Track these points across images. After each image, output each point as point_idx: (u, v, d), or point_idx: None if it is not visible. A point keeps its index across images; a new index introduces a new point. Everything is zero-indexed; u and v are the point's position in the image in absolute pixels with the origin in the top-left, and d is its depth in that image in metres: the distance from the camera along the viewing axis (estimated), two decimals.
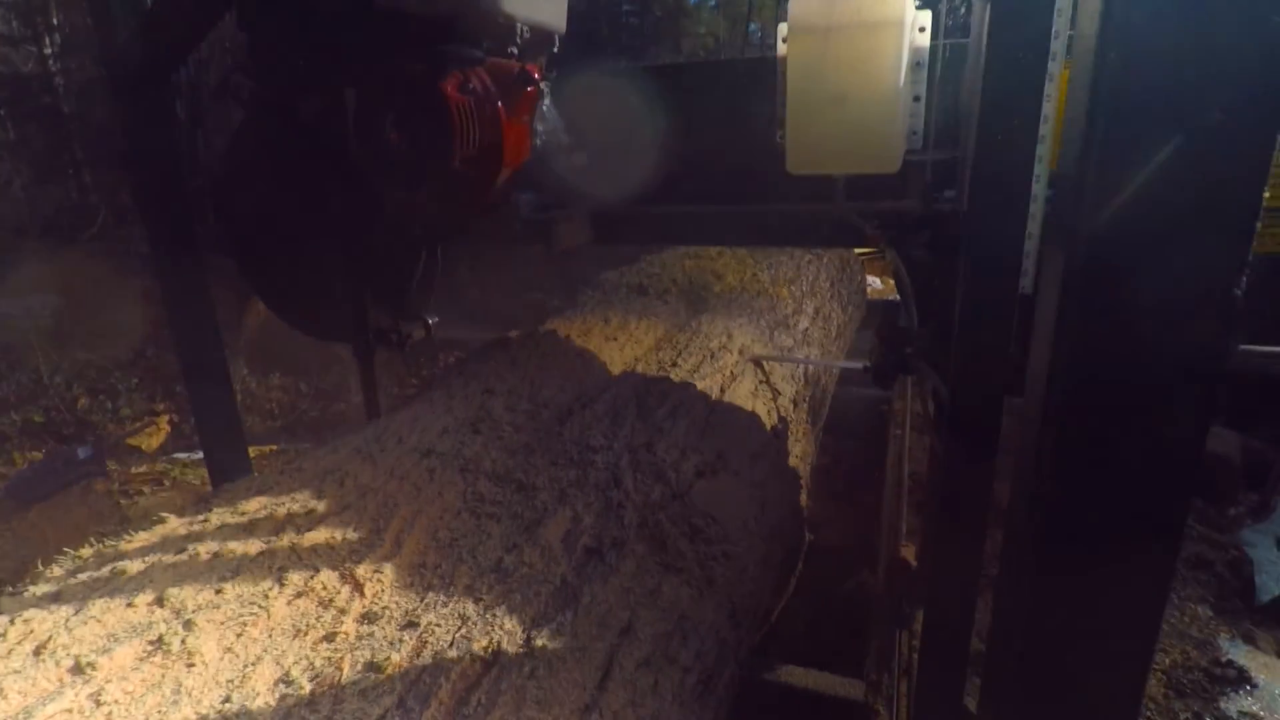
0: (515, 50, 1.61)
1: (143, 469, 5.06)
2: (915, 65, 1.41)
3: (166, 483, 4.85)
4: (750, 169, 1.66)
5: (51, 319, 7.23)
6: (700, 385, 1.92)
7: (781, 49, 1.43)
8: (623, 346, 2.12)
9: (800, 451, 2.30)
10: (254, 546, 1.10)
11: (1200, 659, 2.45)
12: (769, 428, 2.03)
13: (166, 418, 6.09)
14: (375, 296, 1.93)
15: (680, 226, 1.88)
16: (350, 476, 1.31)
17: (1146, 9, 0.84)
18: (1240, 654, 2.47)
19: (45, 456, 4.89)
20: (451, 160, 1.49)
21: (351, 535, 1.16)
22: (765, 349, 2.44)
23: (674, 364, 2.02)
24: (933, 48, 1.44)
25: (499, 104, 1.51)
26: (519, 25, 1.57)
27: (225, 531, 1.14)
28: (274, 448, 5.32)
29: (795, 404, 2.37)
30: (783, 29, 1.41)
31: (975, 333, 1.23)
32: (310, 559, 1.09)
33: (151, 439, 5.80)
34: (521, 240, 1.83)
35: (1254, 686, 2.32)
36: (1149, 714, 2.25)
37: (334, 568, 1.07)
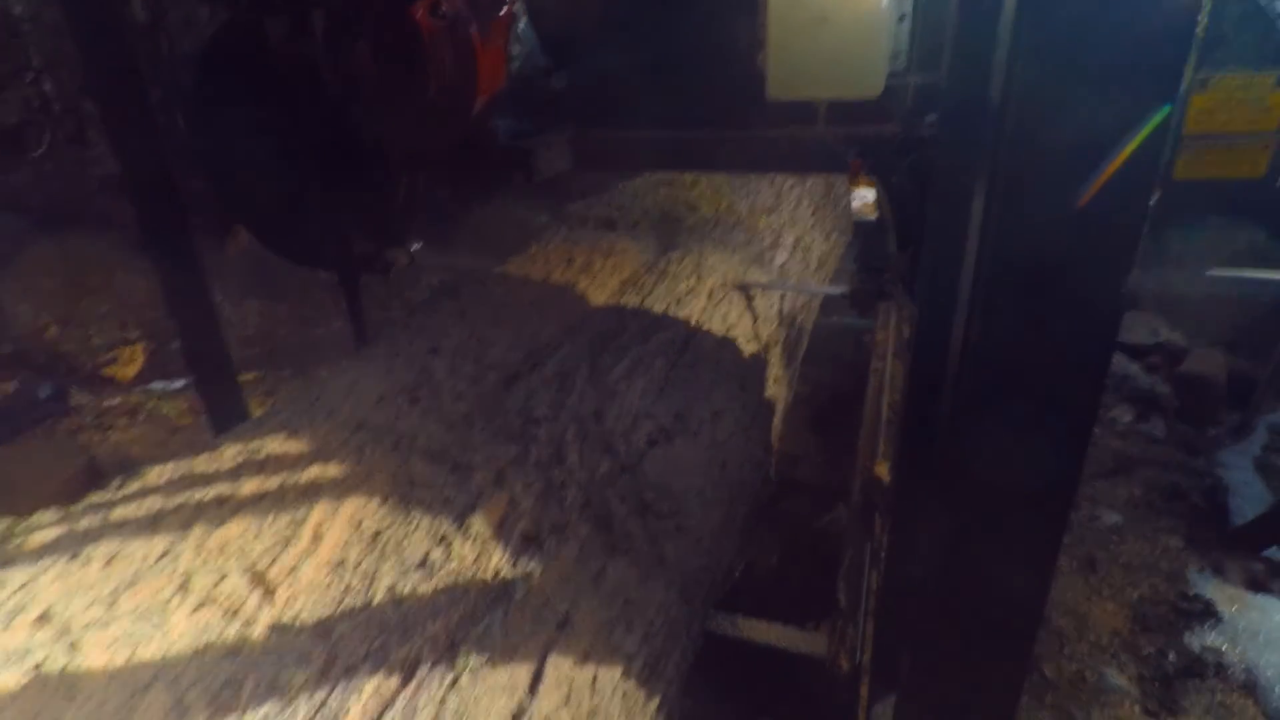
0: None
1: (116, 401, 4.99)
2: None
3: (141, 415, 4.79)
4: (732, 93, 1.59)
5: (11, 245, 6.98)
6: (663, 336, 1.81)
7: None
8: (584, 291, 2.00)
9: (775, 388, 2.23)
10: (157, 546, 1.02)
11: (1168, 592, 2.46)
12: (737, 374, 1.94)
13: (141, 345, 5.97)
14: (357, 222, 1.88)
15: (661, 153, 1.81)
16: (273, 457, 1.23)
17: None
18: (1208, 587, 2.48)
19: (11, 394, 4.80)
20: (425, 88, 1.45)
21: (268, 529, 1.08)
22: (739, 287, 2.33)
23: (636, 312, 1.90)
24: None
25: (472, 28, 1.45)
26: None
27: (127, 530, 1.06)
28: (253, 375, 5.24)
29: (770, 342, 2.28)
30: None
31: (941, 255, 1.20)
32: (219, 560, 1.01)
33: (127, 368, 5.70)
34: (500, 168, 1.75)
35: (1219, 620, 2.34)
36: (1114, 649, 2.28)
37: (245, 570, 1.00)
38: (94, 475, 3.87)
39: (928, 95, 1.45)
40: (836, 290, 3.05)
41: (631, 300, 2.00)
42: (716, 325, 2.04)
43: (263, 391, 4.91)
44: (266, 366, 5.69)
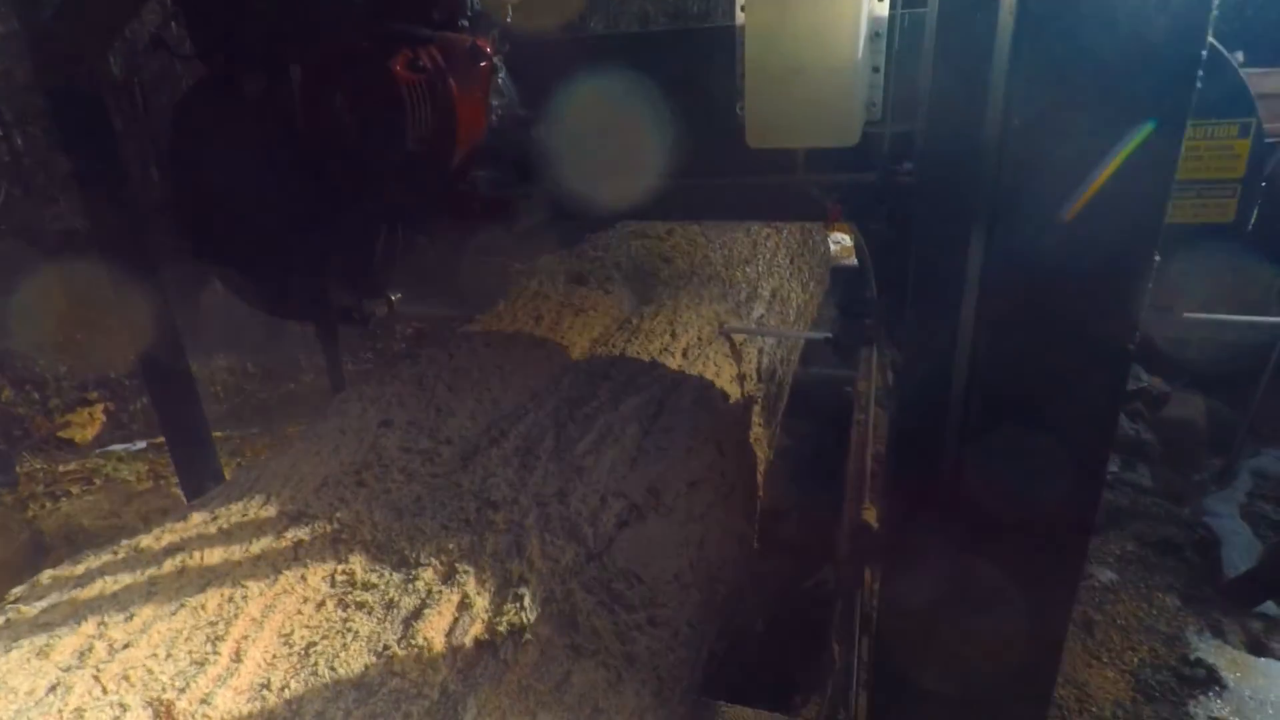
0: (466, 23, 1.56)
1: (72, 466, 4.77)
2: (874, 35, 1.39)
3: (97, 481, 4.57)
4: (711, 142, 1.61)
5: None
6: (635, 400, 1.71)
7: (740, 18, 1.40)
8: (551, 354, 1.90)
9: (757, 447, 2.13)
10: (43, 680, 0.88)
11: (1169, 656, 2.36)
12: (715, 437, 1.84)
13: (101, 406, 5.76)
14: (336, 273, 1.87)
15: (641, 201, 1.79)
16: (195, 558, 1.10)
17: None
18: (1209, 650, 2.38)
19: None
20: (403, 141, 1.46)
21: (181, 646, 0.94)
22: (714, 344, 2.24)
23: (607, 375, 1.80)
24: (891, 17, 1.40)
25: (451, 81, 1.47)
26: None
27: (16, 655, 0.92)
28: (220, 434, 5.05)
29: (750, 399, 2.18)
30: None
31: (926, 303, 1.22)
32: (119, 691, 0.87)
33: (85, 430, 5.48)
34: (481, 219, 1.79)
35: (1224, 688, 2.23)
36: (1117, 719, 2.16)
37: (147, 702, 0.86)
38: (37, 551, 3.65)
39: (904, 143, 1.46)
40: (819, 335, 2.99)
41: (602, 360, 1.90)
42: (693, 385, 1.94)
43: (228, 451, 4.73)
44: (233, 425, 5.50)
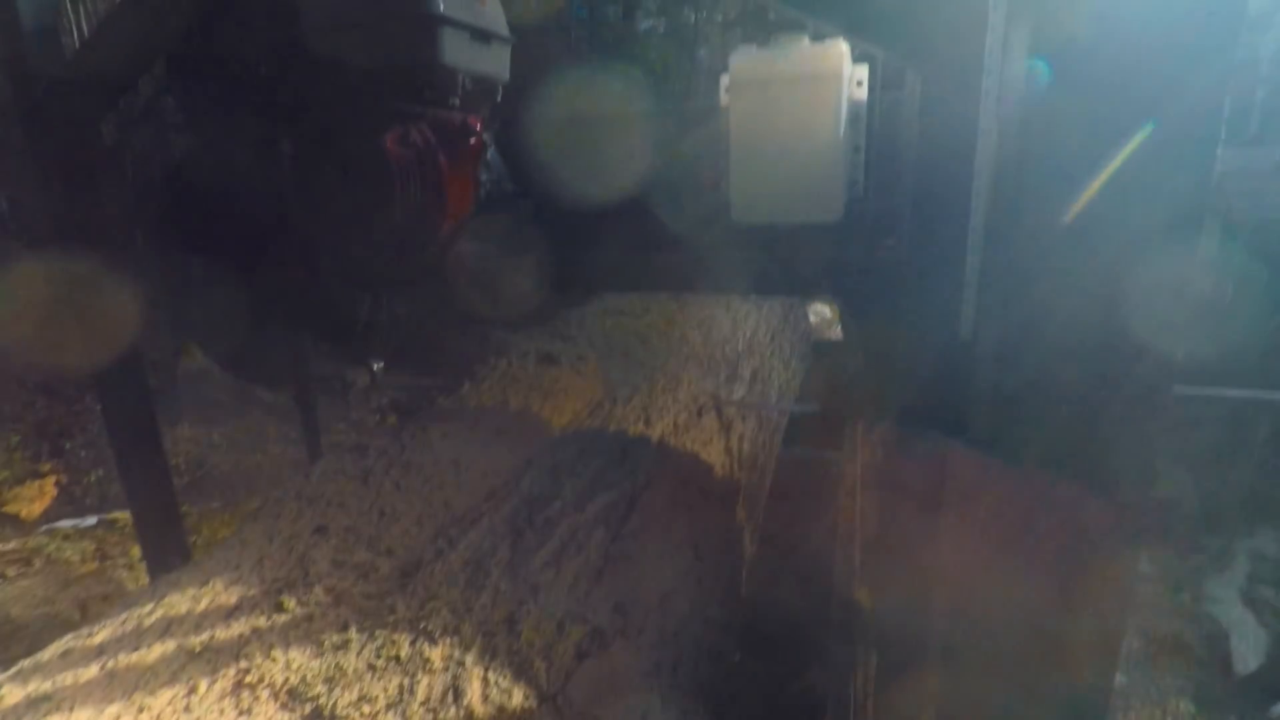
0: (458, 101, 1.58)
1: (11, 545, 4.47)
2: (854, 117, 1.43)
3: (37, 562, 4.27)
4: (698, 218, 1.64)
5: None
6: (603, 500, 1.56)
7: (724, 100, 1.44)
8: (514, 445, 1.75)
9: (739, 538, 1.97)
10: None
11: None
12: (691, 539, 1.68)
13: (53, 479, 5.48)
14: (318, 342, 1.90)
15: (627, 275, 1.84)
16: (62, 713, 0.91)
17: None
18: None
19: None
20: (392, 215, 1.49)
21: None
22: (693, 431, 2.10)
23: (573, 470, 1.65)
24: (870, 100, 1.44)
25: (440, 157, 1.50)
26: (461, 76, 1.54)
27: None
28: (180, 508, 4.78)
29: (730, 490, 2.03)
30: (724, 81, 1.43)
31: (917, 378, 1.29)
32: None
33: (34, 505, 5.18)
34: (467, 290, 1.80)
35: None
36: None
37: None
38: None
39: (886, 219, 1.50)
40: (807, 409, 2.88)
41: (570, 452, 1.75)
42: (668, 478, 1.79)
43: (185, 527, 4.47)
44: (194, 498, 5.23)
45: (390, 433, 1.73)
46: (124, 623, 1.10)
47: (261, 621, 1.09)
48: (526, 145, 1.75)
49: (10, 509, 5.17)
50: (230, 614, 1.11)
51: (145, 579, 4.10)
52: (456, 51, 1.49)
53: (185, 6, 1.61)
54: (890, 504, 1.56)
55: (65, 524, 5.04)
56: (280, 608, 1.12)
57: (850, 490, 2.77)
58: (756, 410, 2.47)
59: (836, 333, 5.44)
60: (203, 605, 1.13)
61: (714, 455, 2.07)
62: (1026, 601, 1.33)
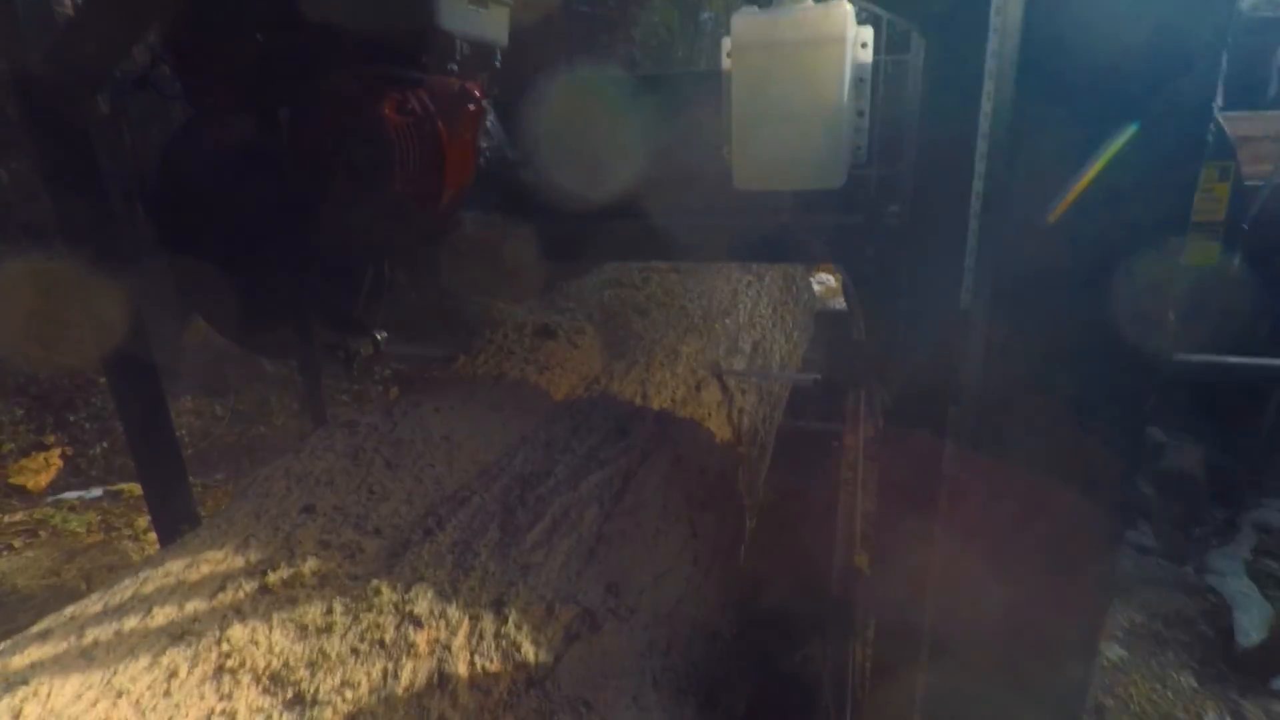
0: (455, 66, 1.56)
1: (19, 517, 4.50)
2: (858, 81, 1.40)
3: (43, 534, 4.31)
4: (699, 183, 1.62)
5: None
6: (598, 476, 1.53)
7: (726, 64, 1.41)
8: (508, 420, 1.72)
9: (739, 514, 1.95)
10: None
11: None
12: (688, 514, 1.66)
13: (58, 451, 5.50)
14: (322, 312, 1.87)
15: (629, 242, 1.81)
16: (38, 699, 0.90)
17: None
18: None
19: None
20: (391, 184, 1.47)
21: None
22: (691, 405, 2.07)
23: (567, 445, 1.62)
24: (875, 63, 1.41)
25: (439, 124, 1.47)
26: (459, 41, 1.53)
27: None
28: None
29: (730, 465, 2.01)
30: (726, 44, 1.39)
31: (917, 346, 1.28)
32: None
33: (39, 476, 5.22)
34: (468, 259, 1.81)
35: None
36: None
37: None
38: None
39: (890, 186, 1.49)
40: (808, 378, 2.86)
41: (564, 428, 1.72)
42: (665, 454, 1.76)
43: None
44: (199, 470, 5.25)
45: (382, 408, 1.70)
46: (105, 603, 1.08)
47: (245, 604, 1.07)
48: (527, 111, 1.72)
49: (16, 480, 5.20)
50: (214, 596, 1.09)
51: (150, 550, 4.13)
52: (453, 15, 1.47)
53: None
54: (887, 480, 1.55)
55: (71, 495, 5.08)
56: (265, 589, 1.10)
57: (851, 462, 2.75)
58: (757, 380, 2.43)
59: (840, 302, 5.38)
60: (186, 586, 1.11)
61: (713, 430, 2.04)
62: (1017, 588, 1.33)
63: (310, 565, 1.15)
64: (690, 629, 1.41)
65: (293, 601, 1.08)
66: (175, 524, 2.15)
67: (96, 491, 5.06)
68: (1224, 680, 2.41)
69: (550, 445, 1.62)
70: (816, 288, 5.59)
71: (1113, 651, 2.51)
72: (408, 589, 1.10)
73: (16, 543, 4.14)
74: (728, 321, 2.56)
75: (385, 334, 1.95)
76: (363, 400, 5.87)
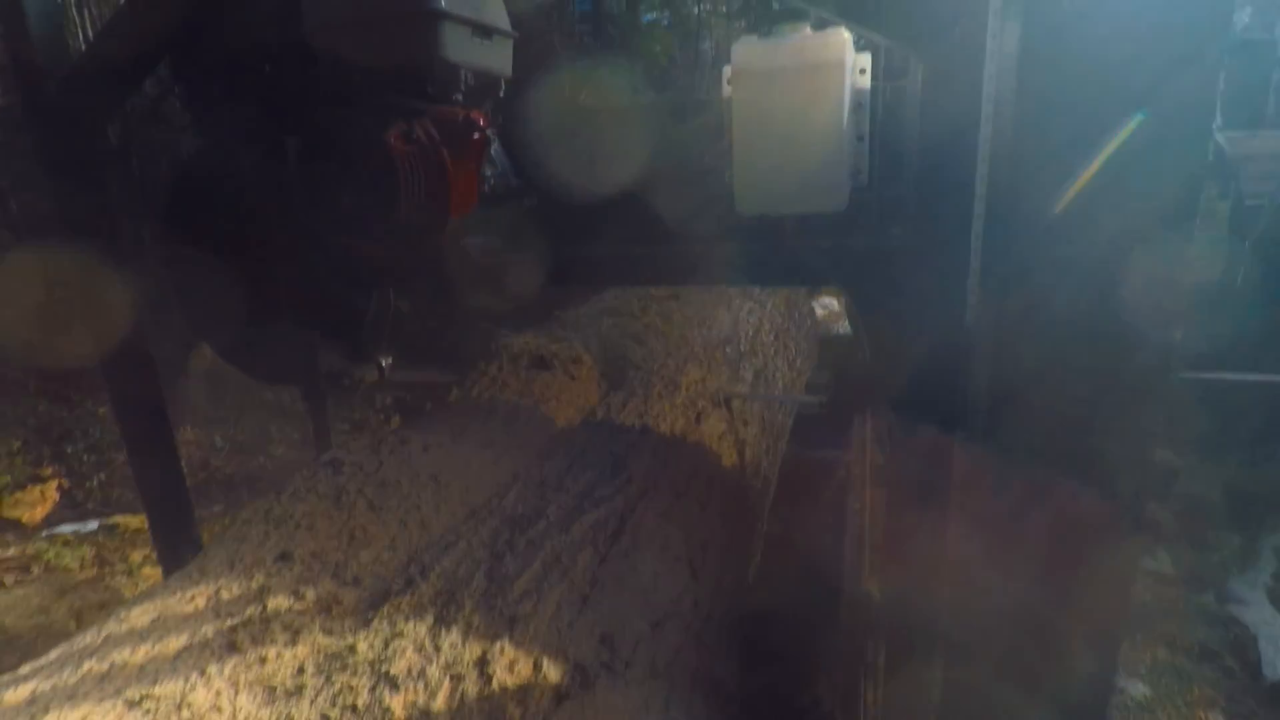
0: (460, 96, 1.58)
1: (11, 552, 4.43)
2: (857, 106, 1.41)
3: (35, 569, 4.22)
4: (702, 208, 1.63)
5: None
6: (592, 518, 1.46)
7: (726, 91, 1.43)
8: (499, 457, 1.66)
9: (740, 553, 1.87)
10: None
11: None
12: (687, 555, 1.58)
13: (55, 484, 5.44)
14: (326, 338, 1.89)
15: (632, 268, 1.82)
16: None
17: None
18: None
19: None
20: (396, 211, 1.49)
21: None
22: (691, 438, 2.00)
23: (560, 485, 1.55)
24: (874, 88, 1.42)
25: (444, 153, 1.50)
26: (463, 72, 1.55)
27: None
28: None
29: (731, 502, 1.93)
30: (727, 71, 1.41)
31: (922, 367, 1.29)
32: None
33: (35, 510, 5.15)
34: (473, 285, 1.81)
35: None
36: None
37: None
38: None
39: (891, 208, 1.50)
40: (813, 400, 2.80)
41: (558, 465, 1.65)
42: (663, 491, 1.69)
43: None
44: (197, 502, 5.17)
45: (369, 445, 1.64)
46: (61, 663, 1.02)
47: (210, 664, 1.00)
48: (530, 139, 1.75)
49: (12, 514, 5.14)
50: (178, 656, 1.02)
51: (143, 586, 4.05)
52: (458, 47, 1.50)
53: (188, 5, 1.63)
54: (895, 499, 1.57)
55: (66, 529, 5.00)
56: (233, 648, 1.03)
57: (858, 488, 2.67)
58: (759, 403, 2.37)
59: (843, 326, 5.32)
60: (149, 644, 1.04)
61: (714, 463, 1.97)
62: (1026, 595, 1.31)
63: (283, 620, 1.08)
64: (690, 680, 1.33)
65: (262, 661, 1.01)
66: (178, 551, 2.12)
67: (92, 525, 4.99)
68: (1254, 718, 2.31)
69: (543, 484, 1.55)
70: (820, 312, 5.53)
71: (1137, 689, 2.40)
72: (385, 646, 1.03)
73: (7, 579, 4.06)
74: (728, 349, 2.50)
75: (390, 360, 1.93)
76: (363, 429, 5.81)
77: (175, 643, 1.04)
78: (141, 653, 1.02)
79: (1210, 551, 3.80)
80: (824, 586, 2.52)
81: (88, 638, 1.07)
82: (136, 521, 4.84)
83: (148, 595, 1.19)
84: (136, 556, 4.42)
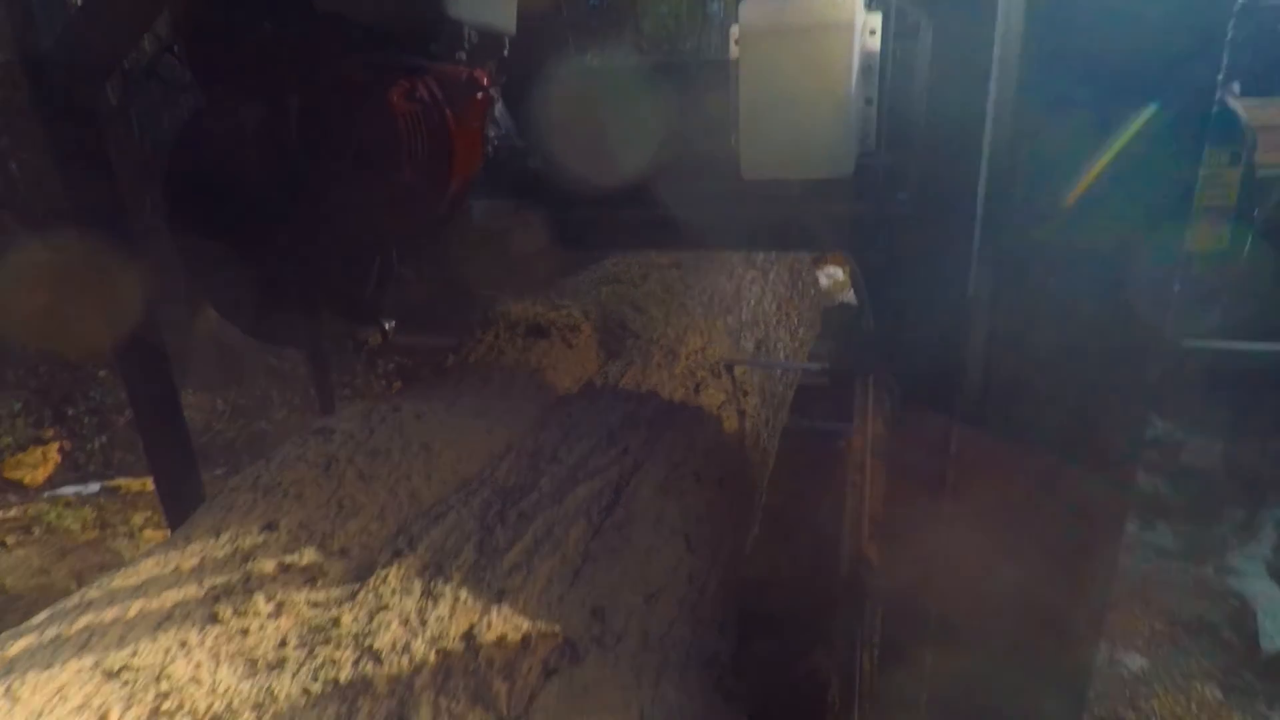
0: (464, 54, 1.56)
1: (13, 513, 4.45)
2: (866, 68, 1.38)
3: (36, 530, 4.25)
4: (707, 172, 1.59)
5: None
6: (585, 489, 1.43)
7: (733, 51, 1.39)
8: (493, 426, 1.63)
9: (738, 525, 1.85)
10: None
11: None
12: (683, 527, 1.56)
13: (56, 445, 5.46)
14: (331, 300, 1.84)
15: (636, 231, 1.79)
16: None
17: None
18: None
19: None
20: (399, 171, 1.47)
21: None
22: (689, 408, 1.97)
23: (554, 455, 1.53)
24: (883, 51, 1.39)
25: (447, 112, 1.47)
26: (467, 29, 1.53)
27: None
28: None
29: (729, 472, 1.91)
30: (734, 31, 1.38)
31: (924, 335, 1.26)
32: None
33: (36, 471, 5.17)
34: (476, 248, 1.78)
35: None
36: None
37: None
38: None
39: (898, 174, 1.45)
40: (816, 367, 2.78)
41: (553, 435, 1.62)
42: (659, 463, 1.66)
43: None
44: (201, 465, 5.19)
45: (360, 413, 1.61)
46: (41, 630, 1.00)
47: (191, 635, 0.98)
48: (535, 100, 1.71)
49: (13, 475, 5.16)
50: (158, 625, 1.00)
51: (144, 548, 4.07)
52: (462, 3, 1.47)
53: None
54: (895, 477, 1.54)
55: (68, 490, 5.03)
56: (214, 619, 1.01)
57: (858, 462, 2.65)
58: (759, 373, 2.33)
59: (848, 295, 5.25)
60: (130, 614, 1.02)
61: (712, 435, 1.94)
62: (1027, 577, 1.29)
63: (266, 591, 1.06)
64: (684, 654, 1.31)
65: (244, 633, 0.99)
66: (185, 511, 2.12)
67: (94, 487, 5.01)
68: (1250, 691, 2.31)
69: (537, 454, 1.53)
70: (824, 281, 5.46)
71: (1134, 661, 2.40)
72: (370, 619, 1.01)
73: (9, 539, 4.09)
74: (730, 319, 2.46)
75: (393, 323, 1.91)
76: (365, 394, 5.80)
77: (155, 615, 1.02)
78: (122, 622, 1.00)
79: (1209, 525, 3.78)
80: (822, 560, 2.52)
81: (70, 604, 1.05)
82: (138, 484, 4.86)
83: (132, 566, 1.16)
84: (138, 519, 4.45)
